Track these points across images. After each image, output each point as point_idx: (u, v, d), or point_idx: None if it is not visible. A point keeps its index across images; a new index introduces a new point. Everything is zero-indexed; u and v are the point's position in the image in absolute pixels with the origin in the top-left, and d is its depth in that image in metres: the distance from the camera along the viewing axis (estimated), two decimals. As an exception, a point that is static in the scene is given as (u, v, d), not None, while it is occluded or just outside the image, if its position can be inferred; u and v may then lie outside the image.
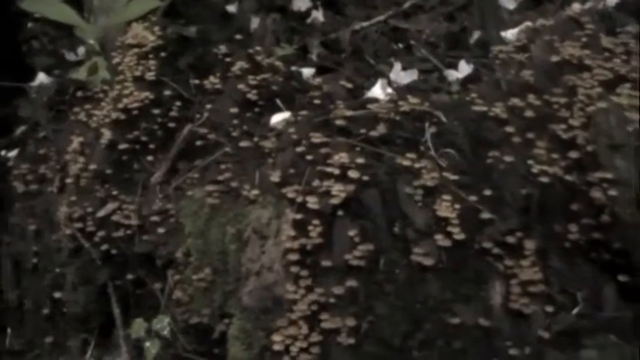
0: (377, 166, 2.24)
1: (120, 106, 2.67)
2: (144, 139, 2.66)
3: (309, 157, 2.24)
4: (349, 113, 2.38)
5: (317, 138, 2.27)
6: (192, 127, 2.61)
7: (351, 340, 2.04)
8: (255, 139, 2.47)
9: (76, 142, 2.73)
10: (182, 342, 2.36)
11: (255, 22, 3.37)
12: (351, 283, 2.07)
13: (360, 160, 2.21)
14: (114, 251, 2.54)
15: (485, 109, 2.37)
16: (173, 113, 2.69)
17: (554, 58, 2.49)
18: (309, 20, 3.50)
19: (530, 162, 2.24)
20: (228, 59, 2.77)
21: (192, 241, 2.36)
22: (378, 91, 2.61)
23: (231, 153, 2.50)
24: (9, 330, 2.79)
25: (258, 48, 2.78)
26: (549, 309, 2.08)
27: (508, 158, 2.25)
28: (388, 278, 2.10)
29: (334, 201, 2.14)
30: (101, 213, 2.57)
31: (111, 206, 2.56)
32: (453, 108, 2.42)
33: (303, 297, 2.07)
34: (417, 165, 2.22)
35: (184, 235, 2.40)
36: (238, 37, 2.92)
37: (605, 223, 2.13)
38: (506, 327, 2.06)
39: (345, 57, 3.27)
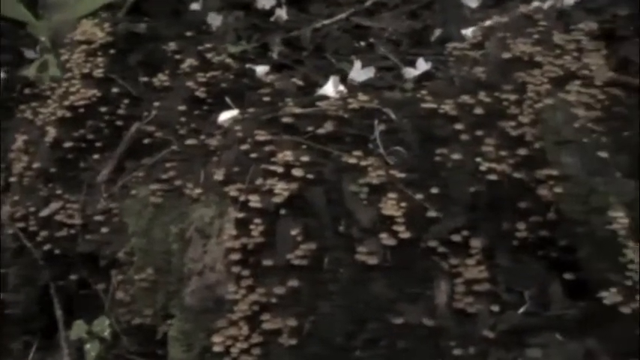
0: (323, 164, 2.20)
1: (66, 103, 2.63)
2: (90, 137, 2.62)
3: (253, 155, 2.21)
4: (298, 111, 2.35)
5: (262, 136, 2.24)
6: (140, 125, 2.58)
7: (293, 341, 2.00)
8: (202, 137, 2.44)
9: (20, 140, 2.69)
10: (125, 343, 2.32)
11: (217, 20, 3.35)
12: (293, 282, 2.04)
13: (305, 158, 2.18)
14: (57, 251, 2.50)
15: (434, 106, 2.35)
16: (121, 111, 2.65)
17: (506, 55, 2.47)
18: (272, 18, 3.47)
19: (478, 159, 2.21)
20: (177, 56, 2.74)
21: (135, 240, 2.33)
22: (329, 88, 2.58)
23: (178, 151, 2.47)
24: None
25: (208, 45, 2.75)
26: (495, 308, 2.05)
27: (456, 156, 2.23)
28: (332, 278, 2.07)
29: (277, 199, 2.11)
30: (44, 212, 2.53)
31: (54, 205, 2.51)
32: (404, 105, 2.39)
33: (244, 297, 2.03)
34: (363, 163, 2.19)
35: (128, 234, 2.36)
36: (189, 34, 2.89)
37: (551, 221, 2.12)
38: (451, 326, 2.03)
39: (307, 55, 3.25)
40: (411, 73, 2.92)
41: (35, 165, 2.62)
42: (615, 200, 2.02)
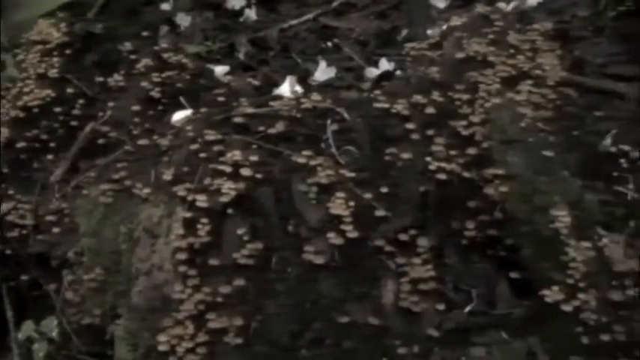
0: (272, 163, 2.21)
1: (19, 104, 2.63)
2: (44, 137, 2.62)
3: (202, 155, 2.21)
4: (250, 111, 2.35)
5: (212, 135, 2.24)
6: (95, 125, 2.58)
7: (239, 340, 2.00)
8: (155, 137, 2.43)
9: (-27, 141, 2.68)
10: (76, 343, 2.31)
11: (186, 20, 3.35)
12: (240, 282, 2.04)
13: (254, 158, 2.18)
14: (8, 252, 2.49)
15: (388, 105, 2.35)
16: (76, 111, 2.65)
17: (460, 55, 2.48)
18: (241, 18, 3.48)
19: (428, 159, 2.22)
20: (133, 56, 2.74)
21: (85, 240, 2.32)
22: (285, 88, 2.58)
23: (131, 151, 2.46)
24: None
25: (164, 45, 2.75)
26: (441, 307, 2.06)
27: (407, 155, 2.23)
28: (279, 277, 2.07)
29: (224, 199, 2.11)
30: (-4, 213, 2.53)
31: (6, 206, 2.50)
32: (358, 105, 2.39)
33: (190, 296, 2.03)
34: (312, 162, 2.19)
35: (79, 234, 2.35)
36: (145, 34, 2.88)
37: (499, 220, 2.12)
38: (397, 325, 2.03)
39: (273, 55, 3.25)
40: (372, 73, 2.92)
41: (-13, 165, 2.61)
42: (559, 199, 2.03)
